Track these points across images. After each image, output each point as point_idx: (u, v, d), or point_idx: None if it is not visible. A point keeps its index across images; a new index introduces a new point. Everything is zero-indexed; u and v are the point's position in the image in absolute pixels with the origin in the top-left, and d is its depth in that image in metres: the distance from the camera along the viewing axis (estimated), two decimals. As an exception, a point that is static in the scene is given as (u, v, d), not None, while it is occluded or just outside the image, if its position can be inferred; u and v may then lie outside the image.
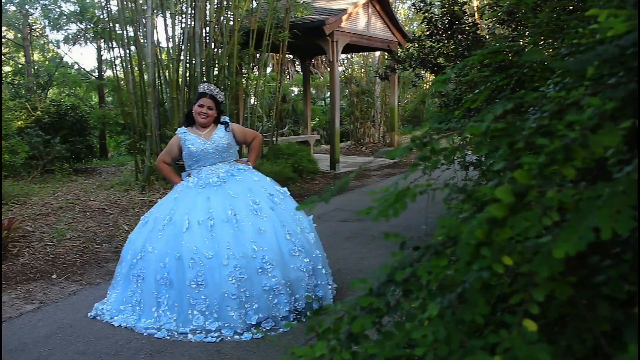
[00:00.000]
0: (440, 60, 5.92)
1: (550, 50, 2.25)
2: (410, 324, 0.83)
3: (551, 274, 0.68)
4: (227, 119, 4.49)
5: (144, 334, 3.79)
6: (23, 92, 14.36)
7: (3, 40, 17.21)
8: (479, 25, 5.61)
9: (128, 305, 4.06)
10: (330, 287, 4.31)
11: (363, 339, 0.87)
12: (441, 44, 5.81)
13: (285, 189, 4.51)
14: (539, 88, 1.87)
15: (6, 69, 17.04)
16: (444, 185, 1.06)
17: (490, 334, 0.73)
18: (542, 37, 2.14)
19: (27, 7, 15.52)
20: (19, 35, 16.97)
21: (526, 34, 2.54)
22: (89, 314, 4.16)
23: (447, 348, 0.76)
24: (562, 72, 1.24)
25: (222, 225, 3.94)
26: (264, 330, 3.79)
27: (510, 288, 0.88)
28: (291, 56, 17.72)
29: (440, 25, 5.73)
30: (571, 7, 2.41)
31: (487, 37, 5.48)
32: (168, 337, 3.74)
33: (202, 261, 3.81)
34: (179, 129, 4.48)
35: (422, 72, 7.08)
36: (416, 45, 6.35)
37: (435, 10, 5.99)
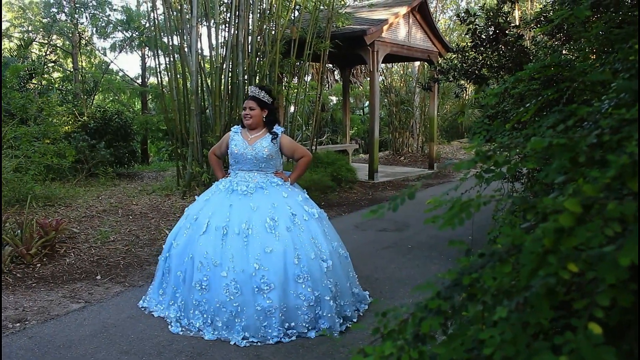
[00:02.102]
0: (484, 71, 5.90)
1: (597, 65, 2.24)
2: (476, 326, 0.85)
3: (617, 280, 0.70)
4: (279, 129, 4.42)
5: (181, 334, 3.90)
6: (70, 97, 14.78)
7: (53, 47, 17.76)
8: (524, 37, 5.56)
9: (166, 296, 4.29)
10: (339, 320, 4.01)
11: (430, 340, 0.90)
12: (485, 55, 5.79)
13: (315, 210, 4.31)
14: (589, 102, 1.86)
15: (55, 75, 17.56)
16: (506, 196, 1.08)
17: (556, 335, 0.75)
18: (593, 51, 2.13)
19: (77, 16, 16.00)
20: (68, 42, 17.49)
21: (576, 48, 2.52)
22: (139, 303, 4.45)
23: (514, 348, 0.79)
24: (617, 88, 1.24)
25: (233, 237, 3.94)
26: (254, 342, 3.77)
27: (569, 296, 0.90)
28: (331, 65, 17.82)
29: (484, 37, 5.71)
30: (619, 20, 2.39)
31: (531, 48, 5.44)
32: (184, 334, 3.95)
33: (209, 267, 3.90)
34: (236, 126, 4.51)
35: (465, 83, 7.06)
36: (459, 56, 6.34)
37: (477, 20, 5.97)
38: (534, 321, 0.80)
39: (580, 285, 0.86)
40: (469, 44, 6.10)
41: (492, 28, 5.57)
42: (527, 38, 6.29)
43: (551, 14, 4.39)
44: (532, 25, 5.04)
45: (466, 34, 6.12)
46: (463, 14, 5.88)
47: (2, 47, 18.09)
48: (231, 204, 4.11)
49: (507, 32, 5.45)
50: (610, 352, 0.71)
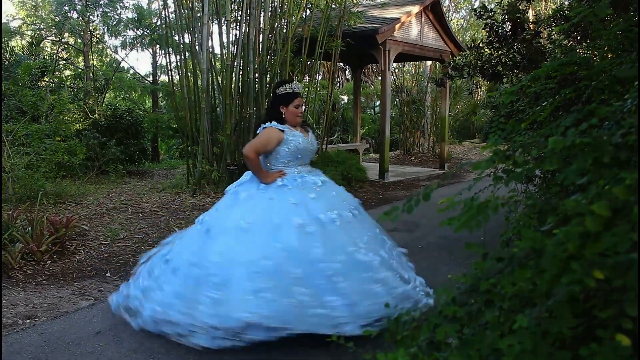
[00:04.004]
0: (499, 68, 5.84)
1: (616, 65, 2.19)
2: (493, 333, 0.82)
3: (648, 289, 0.67)
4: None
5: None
6: (81, 95, 14.84)
7: (65, 45, 17.84)
8: (540, 34, 5.51)
9: None
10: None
11: (444, 347, 0.86)
12: (500, 52, 5.74)
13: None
14: (607, 102, 1.82)
15: (66, 73, 17.65)
16: (525, 198, 1.04)
17: (582, 346, 0.71)
18: (612, 50, 2.08)
19: (88, 14, 16.06)
20: (79, 40, 17.58)
21: (593, 46, 2.48)
22: None
23: (534, 359, 0.75)
24: (640, 86, 1.20)
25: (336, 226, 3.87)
26: None
27: (589, 303, 0.86)
28: (342, 64, 17.76)
29: (500, 33, 5.66)
30: (637, 19, 2.34)
31: (547, 46, 5.38)
32: None
33: None
34: (275, 124, 4.14)
35: (479, 80, 7.00)
36: (473, 52, 6.29)
37: (494, 16, 5.93)
38: (556, 330, 0.76)
39: (601, 292, 0.83)
40: (484, 40, 6.06)
41: (509, 24, 5.53)
42: (543, 36, 6.23)
43: (567, 12, 4.32)
44: (549, 23, 4.98)
45: (484, 29, 6.07)
46: (480, 9, 5.85)
47: (15, 44, 18.22)
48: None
49: (524, 28, 5.41)
50: (640, 365, 0.68)
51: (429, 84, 16.94)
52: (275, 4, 9.89)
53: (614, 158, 0.82)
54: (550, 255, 0.75)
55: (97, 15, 16.81)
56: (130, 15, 17.94)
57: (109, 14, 16.93)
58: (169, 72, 11.03)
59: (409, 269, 4.22)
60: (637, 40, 1.79)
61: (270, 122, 4.17)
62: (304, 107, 4.30)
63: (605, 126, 1.22)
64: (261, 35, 9.44)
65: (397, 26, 11.00)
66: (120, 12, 17.50)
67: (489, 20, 5.72)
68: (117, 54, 19.69)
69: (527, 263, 0.85)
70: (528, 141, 0.98)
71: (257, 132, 4.27)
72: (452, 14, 22.47)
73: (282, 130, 4.11)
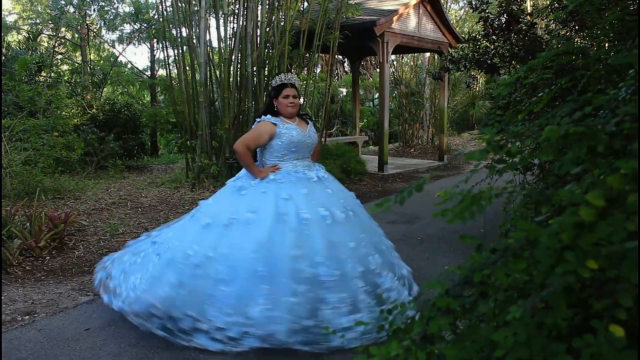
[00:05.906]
0: (496, 60, 5.83)
1: (612, 53, 2.18)
2: (488, 325, 0.81)
3: (642, 279, 0.66)
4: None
5: None
6: (79, 90, 14.79)
7: (62, 40, 17.78)
8: (536, 25, 5.49)
9: None
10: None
11: (439, 340, 0.85)
12: (497, 44, 5.71)
13: None
14: (603, 91, 1.81)
15: (64, 67, 17.60)
16: (520, 188, 1.03)
17: (575, 338, 0.70)
18: (609, 39, 2.06)
19: (85, 8, 16.00)
20: (77, 35, 17.52)
21: (590, 35, 2.46)
22: None
23: (528, 351, 0.74)
24: (635, 74, 1.19)
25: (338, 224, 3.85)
26: None
27: (584, 293, 0.85)
28: (340, 57, 17.70)
29: (496, 25, 5.64)
30: (634, 7, 2.32)
31: (544, 36, 5.36)
32: None
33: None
34: (269, 117, 4.08)
35: (476, 73, 6.98)
36: (470, 45, 6.27)
37: (489, 8, 5.90)
38: (551, 322, 0.75)
39: (596, 282, 0.82)
40: (480, 32, 6.04)
41: (505, 16, 5.51)
42: (540, 27, 6.21)
43: (564, 2, 4.31)
44: (546, 13, 4.98)
45: (478, 22, 6.06)
46: (475, 1, 5.82)
47: (11, 39, 18.16)
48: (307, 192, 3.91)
49: (519, 20, 5.39)
50: (634, 356, 0.67)
51: (428, 76, 16.90)
52: (273, -4, 9.84)
53: (608, 147, 0.81)
54: (545, 245, 0.75)
55: (94, 10, 16.75)
56: (127, 9, 17.85)
57: (105, 8, 16.87)
58: (167, 66, 11.01)
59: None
60: (638, 27, 1.77)
61: (265, 115, 4.12)
62: (299, 98, 4.16)
63: (600, 115, 1.21)
64: (259, 29, 9.41)
65: (395, 18, 10.96)
66: (117, 6, 17.45)
67: (483, 13, 5.70)
68: (114, 48, 19.65)
69: (521, 254, 0.84)
70: (522, 131, 0.96)
71: (253, 126, 4.19)
72: (450, 5, 22.40)
73: (275, 124, 4.04)
